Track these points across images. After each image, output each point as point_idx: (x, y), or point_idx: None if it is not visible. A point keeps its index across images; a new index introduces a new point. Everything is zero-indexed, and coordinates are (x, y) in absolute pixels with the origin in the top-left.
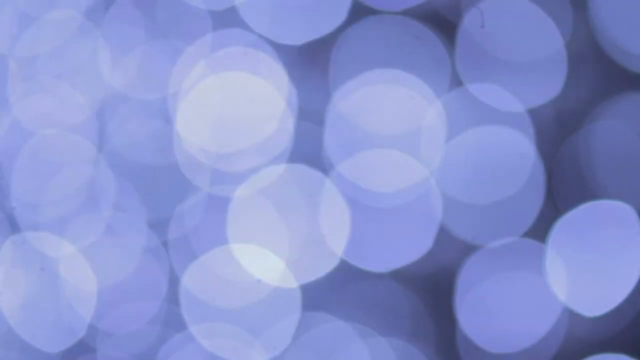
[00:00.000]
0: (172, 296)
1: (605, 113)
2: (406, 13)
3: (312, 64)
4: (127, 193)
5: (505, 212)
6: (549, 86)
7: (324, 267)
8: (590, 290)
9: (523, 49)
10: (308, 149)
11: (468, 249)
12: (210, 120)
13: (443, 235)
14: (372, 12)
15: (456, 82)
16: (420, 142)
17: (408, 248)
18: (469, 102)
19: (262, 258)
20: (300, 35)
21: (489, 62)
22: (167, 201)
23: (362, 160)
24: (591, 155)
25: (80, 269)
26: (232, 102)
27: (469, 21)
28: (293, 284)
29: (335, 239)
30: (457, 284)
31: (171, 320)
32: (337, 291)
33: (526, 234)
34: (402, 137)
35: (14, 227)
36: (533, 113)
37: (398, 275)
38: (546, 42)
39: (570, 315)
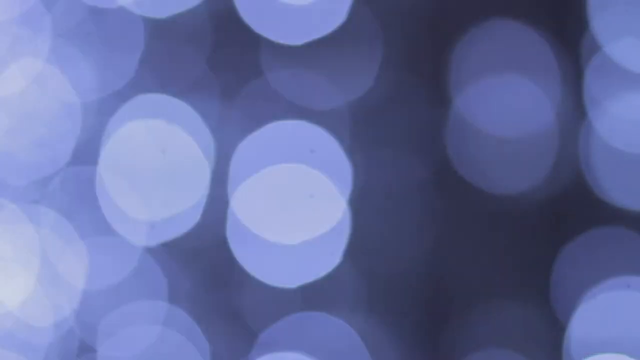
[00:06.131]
0: (172, 296)
1: (605, 113)
2: (406, 13)
3: (312, 64)
4: (127, 193)
5: (505, 212)
6: (547, 86)
7: (324, 267)
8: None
9: (523, 48)
10: (308, 149)
11: (468, 249)
12: (210, 120)
13: (443, 235)
14: (372, 12)
15: (456, 82)
16: (422, 142)
17: (409, 248)
18: (468, 102)
19: (261, 258)
20: (300, 35)
21: (489, 62)
22: (167, 201)
23: (362, 160)
24: (591, 155)
25: (80, 269)
26: (231, 101)
27: (468, 21)
28: (293, 284)
29: (335, 239)
30: (457, 284)
31: (171, 320)
32: (337, 291)
33: (526, 234)
34: (402, 137)
35: (14, 226)
36: (532, 113)
37: (398, 275)
38: (545, 42)
39: (570, 312)
